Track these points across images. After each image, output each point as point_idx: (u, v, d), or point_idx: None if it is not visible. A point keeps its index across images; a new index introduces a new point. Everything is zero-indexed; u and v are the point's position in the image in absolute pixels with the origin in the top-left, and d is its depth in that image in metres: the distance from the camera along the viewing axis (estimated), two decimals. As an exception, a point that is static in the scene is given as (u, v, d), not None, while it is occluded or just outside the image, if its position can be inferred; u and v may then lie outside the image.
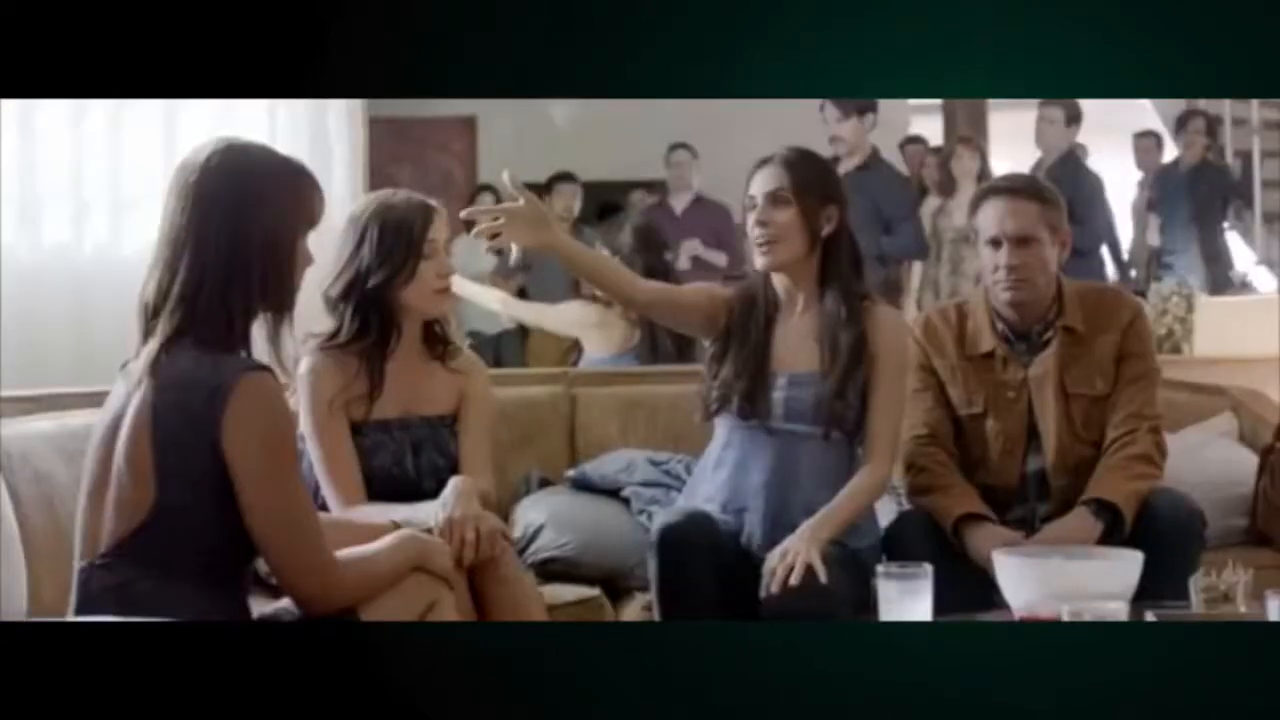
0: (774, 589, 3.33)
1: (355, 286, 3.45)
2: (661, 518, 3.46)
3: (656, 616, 3.41)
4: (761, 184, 3.61)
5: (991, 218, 3.71)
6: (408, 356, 3.54)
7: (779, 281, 3.67)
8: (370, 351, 3.48)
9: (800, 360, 3.60)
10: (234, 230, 2.64)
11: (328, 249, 3.49)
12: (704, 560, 3.38)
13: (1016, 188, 3.76)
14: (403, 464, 3.49)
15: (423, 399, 3.55)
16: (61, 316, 4.24)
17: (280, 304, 2.70)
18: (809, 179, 3.60)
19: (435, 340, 3.60)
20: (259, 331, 2.70)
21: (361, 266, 3.45)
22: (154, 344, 2.64)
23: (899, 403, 3.64)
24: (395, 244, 3.45)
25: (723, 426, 3.66)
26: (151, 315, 2.67)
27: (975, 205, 3.79)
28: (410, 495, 3.42)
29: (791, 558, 3.34)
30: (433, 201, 3.56)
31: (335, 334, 3.48)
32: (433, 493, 3.40)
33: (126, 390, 2.67)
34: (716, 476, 3.64)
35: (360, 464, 3.44)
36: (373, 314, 3.47)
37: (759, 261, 3.63)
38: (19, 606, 3.06)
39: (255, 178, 2.68)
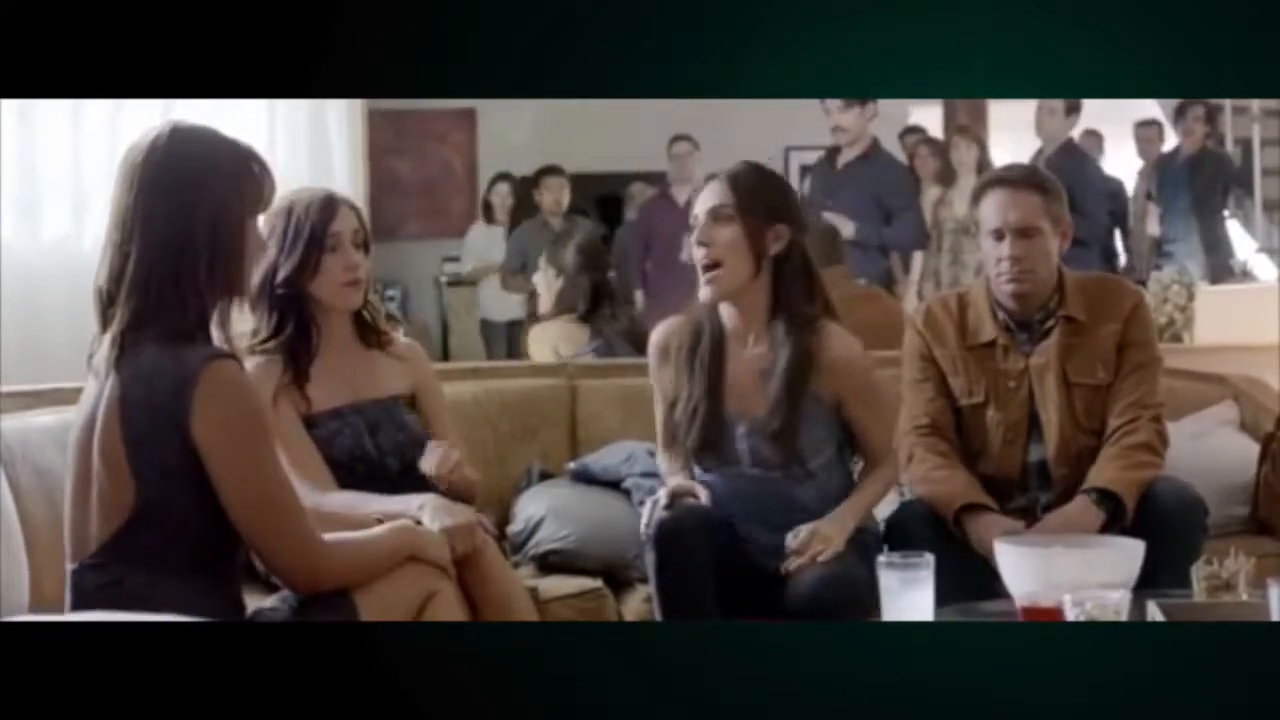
0: (792, 567, 3.35)
1: (266, 283, 3.44)
2: (657, 513, 3.36)
3: (656, 612, 3.40)
4: (705, 200, 3.52)
5: (994, 209, 3.69)
6: (341, 348, 3.53)
7: (727, 313, 3.58)
8: (293, 346, 3.46)
9: (757, 404, 3.53)
10: (180, 212, 2.63)
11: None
12: (701, 555, 3.35)
13: (1018, 179, 3.73)
14: (363, 445, 3.47)
15: (369, 384, 3.54)
16: (61, 311, 4.24)
17: (231, 287, 2.70)
18: (755, 195, 3.51)
19: (367, 330, 3.58)
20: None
21: (269, 264, 3.43)
22: (114, 334, 2.63)
23: (883, 409, 3.65)
24: (297, 239, 3.43)
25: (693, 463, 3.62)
26: (108, 303, 2.66)
27: (977, 196, 3.77)
28: (375, 475, 3.43)
29: (820, 543, 3.34)
30: (339, 196, 3.55)
31: (257, 332, 3.48)
32: (396, 471, 3.44)
33: (97, 387, 2.67)
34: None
35: (323, 453, 3.43)
36: (289, 310, 3.46)
37: (703, 293, 3.52)
38: (20, 601, 3.07)
39: (201, 160, 2.67)
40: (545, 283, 5.40)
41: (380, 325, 3.61)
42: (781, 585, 3.42)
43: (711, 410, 3.53)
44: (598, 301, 5.26)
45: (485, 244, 8.89)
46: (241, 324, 3.41)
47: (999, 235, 3.69)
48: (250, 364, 3.42)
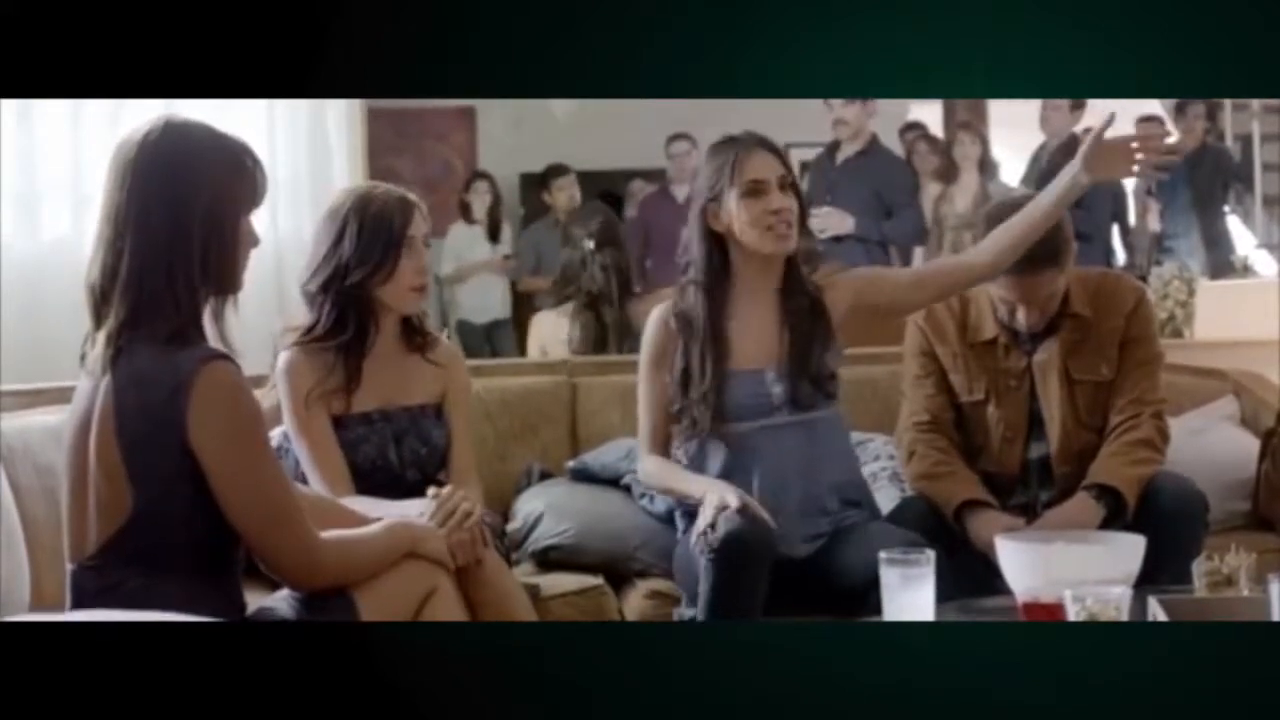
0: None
1: (334, 281, 3.43)
2: (725, 524, 3.28)
3: (700, 615, 3.33)
4: (767, 168, 3.50)
5: (1007, 289, 3.65)
6: (386, 350, 3.51)
7: (753, 270, 3.56)
8: (348, 346, 3.45)
9: (779, 349, 3.54)
10: (173, 208, 2.61)
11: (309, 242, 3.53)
12: (763, 571, 3.30)
13: (1024, 265, 3.59)
14: (385, 454, 3.46)
15: (402, 390, 3.52)
16: (62, 310, 4.23)
17: (223, 284, 2.68)
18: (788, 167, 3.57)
19: (413, 333, 3.57)
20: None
21: (340, 262, 3.41)
22: (108, 334, 2.62)
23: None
24: (374, 240, 3.41)
25: (727, 435, 3.56)
26: (101, 301, 2.65)
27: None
28: (394, 485, 3.41)
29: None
30: (412, 196, 3.52)
31: (312, 328, 3.46)
32: (416, 481, 3.41)
33: (90, 387, 2.66)
34: (741, 484, 3.47)
35: (345, 456, 3.43)
36: (350, 309, 3.44)
37: (776, 246, 3.52)
38: (22, 600, 3.07)
39: (193, 155, 2.65)
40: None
41: (426, 329, 3.59)
42: (806, 574, 3.43)
43: (721, 360, 3.52)
44: (608, 279, 5.26)
45: (466, 244, 8.84)
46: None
47: (1012, 308, 3.67)
48: (293, 354, 3.43)
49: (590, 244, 5.35)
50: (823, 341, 3.53)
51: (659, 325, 3.62)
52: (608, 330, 5.23)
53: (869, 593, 3.04)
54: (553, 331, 5.40)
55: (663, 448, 3.64)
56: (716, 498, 3.34)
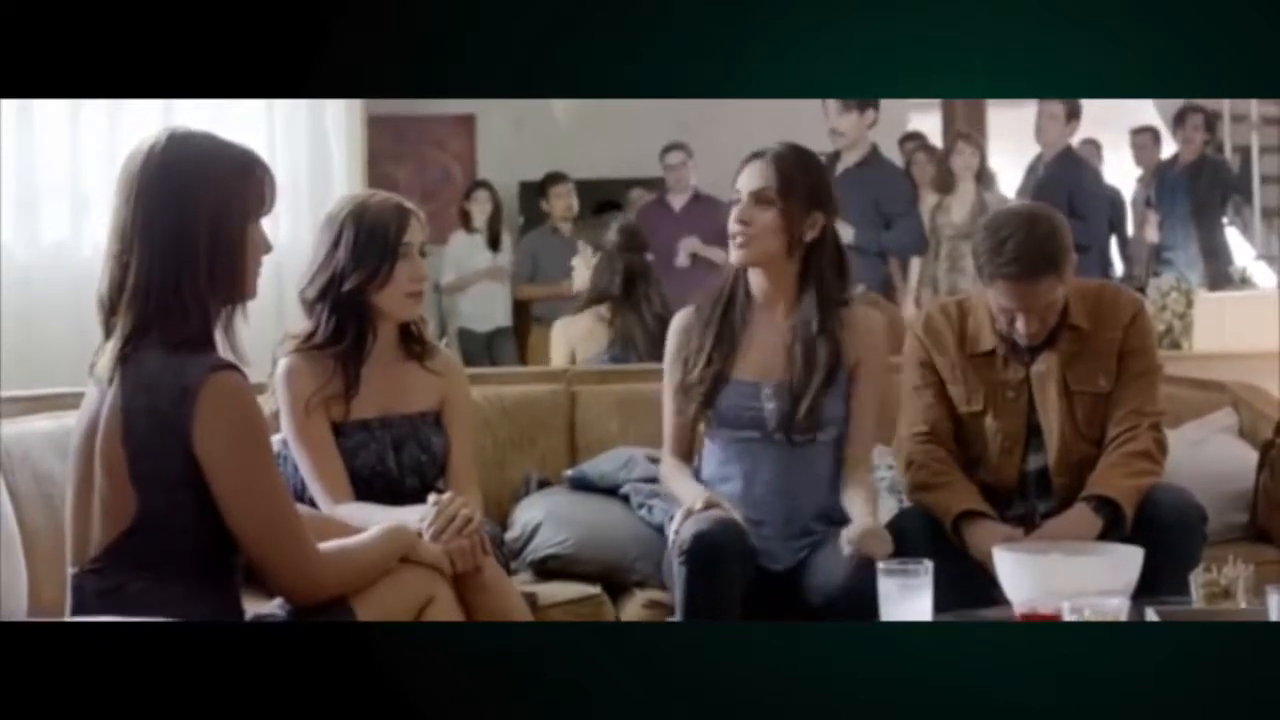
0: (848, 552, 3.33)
1: (331, 288, 3.43)
2: (691, 525, 3.34)
3: (678, 618, 3.37)
4: (748, 180, 3.56)
5: (1007, 296, 3.61)
6: (385, 357, 3.51)
7: (757, 283, 3.64)
8: (347, 353, 3.45)
9: (783, 370, 3.58)
10: (179, 219, 2.61)
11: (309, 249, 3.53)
12: (734, 570, 3.32)
13: (1024, 271, 3.56)
14: (385, 461, 3.46)
15: (401, 398, 3.52)
16: (61, 316, 4.24)
17: (231, 293, 2.68)
18: (797, 181, 3.54)
19: (412, 340, 3.57)
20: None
21: (337, 268, 3.42)
22: (116, 343, 2.62)
23: (876, 403, 3.67)
24: (370, 246, 3.41)
25: (718, 440, 3.65)
26: (110, 312, 2.65)
27: (985, 278, 3.65)
28: (393, 492, 3.41)
29: (878, 544, 3.31)
30: (409, 204, 3.52)
31: (312, 335, 3.46)
32: (416, 489, 3.41)
33: (99, 394, 2.66)
34: (724, 491, 3.55)
35: (344, 463, 3.42)
36: (349, 316, 3.44)
37: (733, 255, 3.59)
38: (19, 606, 3.06)
39: (199, 165, 2.65)
40: (583, 261, 5.43)
41: (425, 336, 3.59)
42: (787, 585, 3.47)
43: (725, 363, 3.59)
44: (632, 282, 5.26)
45: (467, 253, 8.84)
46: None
47: (1011, 317, 3.65)
48: (293, 360, 3.43)
49: (611, 241, 5.36)
50: (826, 373, 3.55)
51: (680, 324, 3.71)
52: (650, 334, 5.21)
53: (841, 603, 3.17)
54: (583, 336, 5.37)
55: (682, 448, 3.72)
56: (688, 502, 3.39)
